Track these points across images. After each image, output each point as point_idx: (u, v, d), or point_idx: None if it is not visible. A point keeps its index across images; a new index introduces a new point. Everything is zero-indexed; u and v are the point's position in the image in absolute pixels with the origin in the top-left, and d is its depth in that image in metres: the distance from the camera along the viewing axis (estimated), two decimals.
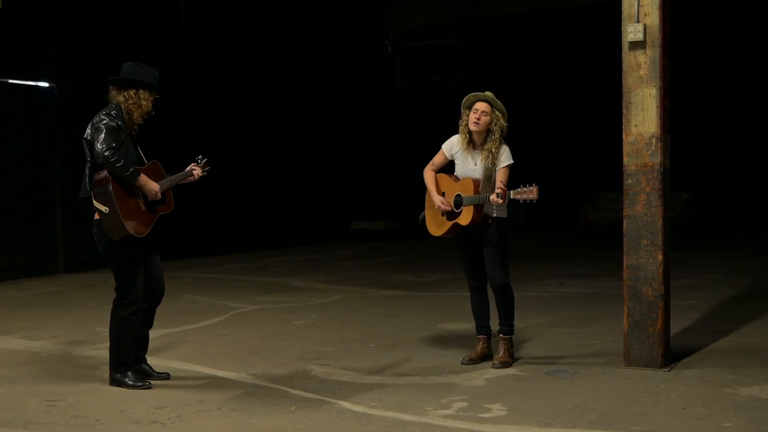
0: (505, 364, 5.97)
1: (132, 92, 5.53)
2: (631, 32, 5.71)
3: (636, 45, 5.74)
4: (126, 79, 5.54)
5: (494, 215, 5.84)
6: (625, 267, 5.88)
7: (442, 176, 6.08)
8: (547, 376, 5.70)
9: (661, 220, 5.75)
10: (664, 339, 5.83)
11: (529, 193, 5.55)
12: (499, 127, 5.86)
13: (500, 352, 6.05)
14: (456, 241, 6.08)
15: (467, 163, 5.95)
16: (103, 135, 5.32)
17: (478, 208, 5.81)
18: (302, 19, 16.12)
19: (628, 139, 5.82)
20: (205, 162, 5.93)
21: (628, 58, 5.79)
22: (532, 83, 18.64)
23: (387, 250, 14.59)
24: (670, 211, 5.91)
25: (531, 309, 8.18)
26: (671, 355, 5.99)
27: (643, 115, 5.76)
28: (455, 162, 6.04)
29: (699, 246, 13.99)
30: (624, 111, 5.82)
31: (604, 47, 12.17)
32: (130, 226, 5.37)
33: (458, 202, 5.89)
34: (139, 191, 5.47)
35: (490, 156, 5.83)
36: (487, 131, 5.89)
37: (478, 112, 5.84)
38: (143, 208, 5.50)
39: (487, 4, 17.44)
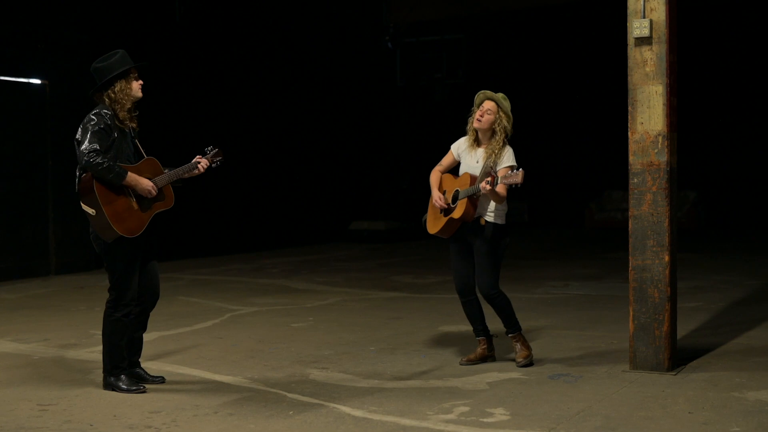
0: (528, 359, 5.98)
1: (110, 93, 5.39)
2: (637, 28, 5.66)
3: (642, 41, 5.69)
4: (96, 90, 5.41)
5: (487, 218, 5.85)
6: (630, 268, 5.80)
7: (447, 176, 6.17)
8: (551, 380, 5.63)
9: (667, 220, 5.68)
10: (671, 342, 5.76)
11: (514, 177, 5.57)
12: (502, 128, 5.89)
13: (516, 349, 6.03)
14: (450, 243, 6.08)
15: (470, 160, 6.00)
16: (88, 137, 5.22)
17: (472, 201, 5.83)
18: (300, 14, 16.03)
19: (633, 138, 5.76)
20: (215, 153, 5.72)
21: (634, 54, 5.73)
22: (536, 80, 18.56)
23: (387, 251, 14.51)
24: (677, 211, 5.86)
25: (535, 311, 8.09)
26: (678, 359, 5.92)
27: (649, 113, 5.69)
28: (460, 161, 6.09)
29: (707, 247, 13.91)
30: (630, 108, 5.77)
31: (609, 43, 12.07)
32: (120, 228, 5.25)
33: (456, 197, 5.95)
34: (129, 190, 5.34)
35: (493, 155, 5.86)
36: (492, 131, 5.90)
37: (483, 110, 5.89)
38: (135, 206, 5.36)
39: None
